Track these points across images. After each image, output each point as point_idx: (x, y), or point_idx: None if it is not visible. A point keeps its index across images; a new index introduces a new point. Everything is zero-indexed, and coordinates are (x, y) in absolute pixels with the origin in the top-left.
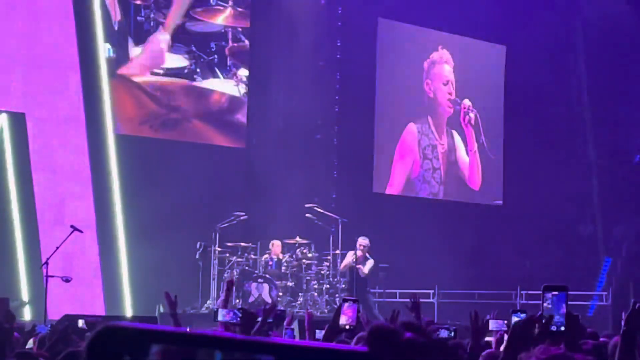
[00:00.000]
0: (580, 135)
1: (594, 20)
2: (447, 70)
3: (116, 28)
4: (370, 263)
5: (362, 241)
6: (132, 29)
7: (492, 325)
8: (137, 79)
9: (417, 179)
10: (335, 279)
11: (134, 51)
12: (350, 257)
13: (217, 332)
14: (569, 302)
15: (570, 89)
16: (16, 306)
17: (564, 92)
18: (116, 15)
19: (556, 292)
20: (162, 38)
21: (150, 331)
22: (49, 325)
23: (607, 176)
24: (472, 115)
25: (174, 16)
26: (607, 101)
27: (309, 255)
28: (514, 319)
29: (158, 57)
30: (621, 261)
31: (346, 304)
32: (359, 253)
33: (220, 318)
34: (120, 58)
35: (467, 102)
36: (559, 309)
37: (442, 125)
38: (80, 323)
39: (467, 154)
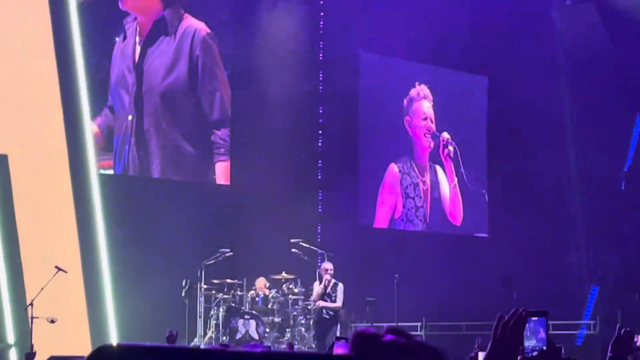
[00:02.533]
0: (564, 163)
1: (575, 49)
2: (426, 106)
3: (97, 66)
4: (340, 288)
5: (327, 265)
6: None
7: (480, 357)
8: None
9: (401, 218)
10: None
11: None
12: (318, 287)
13: (208, 347)
14: (558, 332)
15: (553, 116)
16: (1, 348)
17: (546, 120)
18: (97, 53)
19: (535, 318)
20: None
21: (138, 348)
22: None
23: (592, 204)
24: (450, 148)
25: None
26: (590, 129)
27: (295, 290)
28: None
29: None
30: (608, 289)
31: (338, 343)
32: (327, 277)
33: None
34: (101, 97)
35: (445, 135)
36: (537, 333)
37: (423, 161)
38: None
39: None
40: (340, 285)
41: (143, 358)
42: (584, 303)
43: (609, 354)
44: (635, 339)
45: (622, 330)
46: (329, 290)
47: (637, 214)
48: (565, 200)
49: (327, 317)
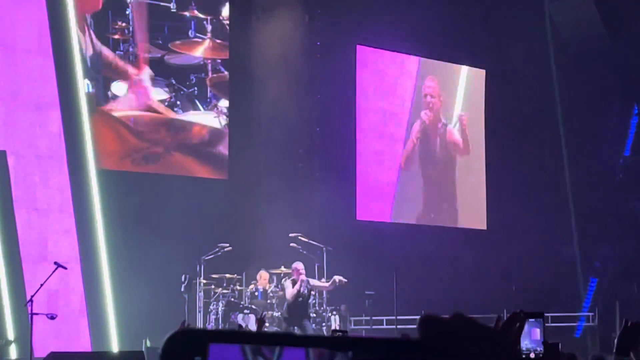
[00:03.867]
0: (560, 157)
1: (571, 40)
2: (428, 95)
3: (94, 64)
4: (314, 281)
5: (299, 266)
6: (111, 64)
7: None
8: (117, 114)
9: (401, 205)
10: (322, 308)
11: (116, 87)
12: (291, 288)
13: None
14: (556, 324)
15: (550, 109)
16: (1, 345)
17: (543, 112)
18: (94, 50)
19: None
20: (145, 75)
21: (213, 332)
22: None
23: (588, 197)
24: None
25: (155, 50)
26: (587, 120)
27: None
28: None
29: (144, 94)
30: (607, 281)
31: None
32: (303, 277)
33: None
34: (99, 93)
35: (449, 125)
36: (531, 335)
37: (424, 150)
38: None
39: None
40: (311, 280)
41: (228, 342)
42: (583, 295)
43: (615, 347)
44: None
45: (630, 323)
46: (304, 290)
47: (634, 204)
48: (562, 192)
49: (301, 299)
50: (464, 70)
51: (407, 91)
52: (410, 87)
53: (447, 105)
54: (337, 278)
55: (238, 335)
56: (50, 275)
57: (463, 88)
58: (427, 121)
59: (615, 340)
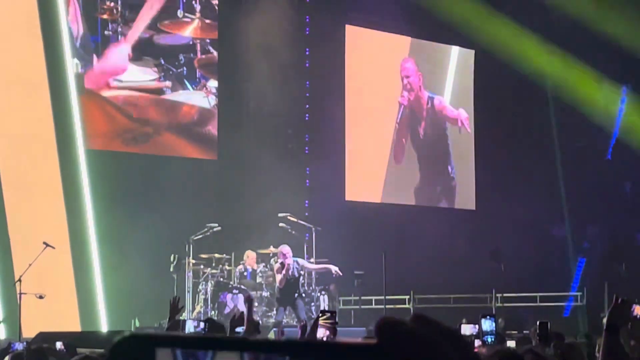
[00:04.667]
0: (550, 137)
1: (561, 21)
2: (416, 76)
3: (83, 44)
4: (303, 261)
5: (285, 249)
6: (99, 43)
7: (464, 329)
8: (106, 94)
9: (391, 186)
10: (311, 288)
11: (99, 65)
12: (281, 273)
13: (233, 337)
14: (545, 304)
15: (539, 89)
16: None
17: (532, 93)
18: (83, 30)
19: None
20: (127, 50)
21: (160, 337)
22: (25, 343)
23: (577, 177)
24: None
25: (138, 28)
26: (576, 103)
27: None
28: (484, 323)
29: (120, 66)
30: (595, 261)
31: (323, 317)
32: (289, 261)
33: (187, 329)
34: (88, 73)
35: (437, 105)
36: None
37: (414, 131)
38: (59, 345)
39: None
40: (300, 260)
41: (179, 348)
42: (571, 275)
43: (605, 323)
44: (633, 309)
45: (620, 299)
46: (293, 272)
47: (623, 184)
48: (552, 172)
49: (292, 280)
50: (454, 50)
51: (397, 71)
52: (400, 67)
53: (436, 85)
54: (333, 268)
55: (184, 340)
56: (38, 255)
57: (454, 69)
58: (405, 102)
59: (605, 317)
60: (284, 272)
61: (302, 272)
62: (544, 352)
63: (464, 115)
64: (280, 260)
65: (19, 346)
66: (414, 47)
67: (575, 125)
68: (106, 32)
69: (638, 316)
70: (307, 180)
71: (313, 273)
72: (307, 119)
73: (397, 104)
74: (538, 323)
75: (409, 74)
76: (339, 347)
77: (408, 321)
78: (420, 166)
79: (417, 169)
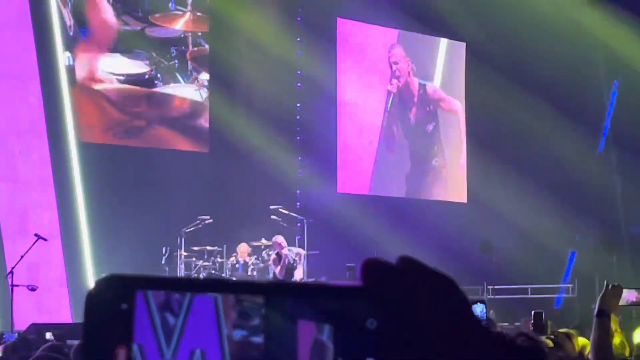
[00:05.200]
0: (543, 129)
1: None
2: (404, 62)
3: (75, 36)
4: (296, 251)
5: (279, 239)
6: (89, 34)
7: None
8: (98, 87)
9: (380, 178)
10: (302, 279)
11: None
12: (279, 266)
13: (212, 277)
14: (536, 296)
15: (530, 81)
16: None
17: (524, 85)
18: (74, 23)
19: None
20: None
21: (141, 278)
22: (16, 334)
23: (569, 170)
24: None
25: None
26: (568, 92)
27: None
28: (475, 308)
29: (114, 61)
30: (586, 253)
31: None
32: (285, 252)
33: None
34: (79, 66)
35: (430, 94)
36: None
37: (404, 119)
38: (48, 335)
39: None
40: (293, 249)
41: (159, 289)
42: (562, 267)
43: (596, 308)
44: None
45: (610, 285)
46: (289, 260)
47: (614, 176)
48: (543, 165)
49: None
50: (443, 42)
51: (386, 64)
52: (390, 60)
53: (427, 79)
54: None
55: (165, 282)
56: (30, 247)
57: (442, 61)
58: (394, 90)
59: (597, 302)
60: (282, 263)
61: (296, 259)
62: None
63: (459, 105)
64: (276, 251)
65: (11, 337)
66: (404, 39)
67: (566, 118)
68: (94, 23)
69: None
70: (299, 172)
71: (305, 265)
72: (298, 109)
73: (386, 96)
74: (533, 313)
75: (397, 60)
76: (320, 289)
77: (394, 263)
78: (412, 157)
79: (408, 161)
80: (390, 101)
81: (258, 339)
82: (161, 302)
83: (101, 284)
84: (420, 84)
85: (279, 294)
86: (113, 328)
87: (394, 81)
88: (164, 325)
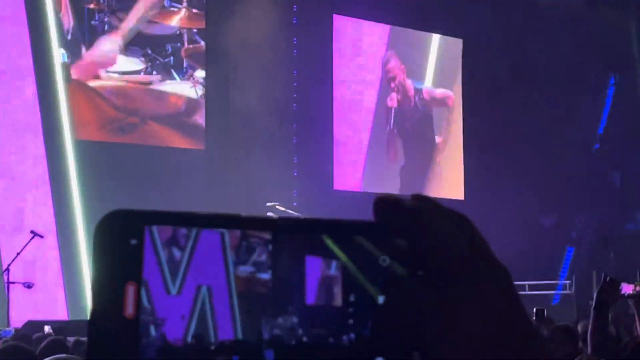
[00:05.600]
0: (539, 127)
1: (551, 10)
2: (400, 72)
3: (70, 33)
4: None
5: None
6: (86, 33)
7: None
8: (93, 84)
9: (378, 175)
10: None
11: (87, 54)
12: None
13: (219, 213)
14: (534, 292)
15: (528, 78)
16: None
17: (522, 82)
18: (69, 20)
19: None
20: (114, 39)
21: (150, 214)
22: (13, 330)
23: (566, 167)
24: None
25: (131, 20)
26: (566, 90)
27: None
28: None
29: (109, 58)
30: (584, 250)
31: None
32: None
33: None
34: (75, 63)
35: (425, 93)
36: None
37: (402, 121)
38: (47, 329)
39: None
40: None
41: (166, 224)
42: (560, 263)
43: (594, 302)
44: (621, 287)
45: (607, 278)
46: None
47: (611, 174)
48: (540, 161)
49: None
50: (436, 39)
51: (381, 60)
52: (384, 56)
53: (424, 75)
54: None
55: (172, 217)
56: (26, 244)
57: (434, 58)
58: (395, 105)
59: (594, 296)
60: None
61: None
62: None
63: (455, 102)
64: None
65: (9, 333)
66: (398, 36)
67: (564, 115)
68: (93, 22)
69: (627, 294)
70: (295, 170)
71: None
72: (295, 108)
73: (385, 94)
74: (535, 310)
75: (394, 74)
76: (331, 225)
77: (408, 200)
78: (408, 155)
79: (404, 158)
80: (391, 113)
81: (265, 276)
82: (167, 238)
83: (109, 219)
84: (415, 88)
85: (288, 230)
86: (123, 264)
87: (394, 95)
88: (170, 261)
